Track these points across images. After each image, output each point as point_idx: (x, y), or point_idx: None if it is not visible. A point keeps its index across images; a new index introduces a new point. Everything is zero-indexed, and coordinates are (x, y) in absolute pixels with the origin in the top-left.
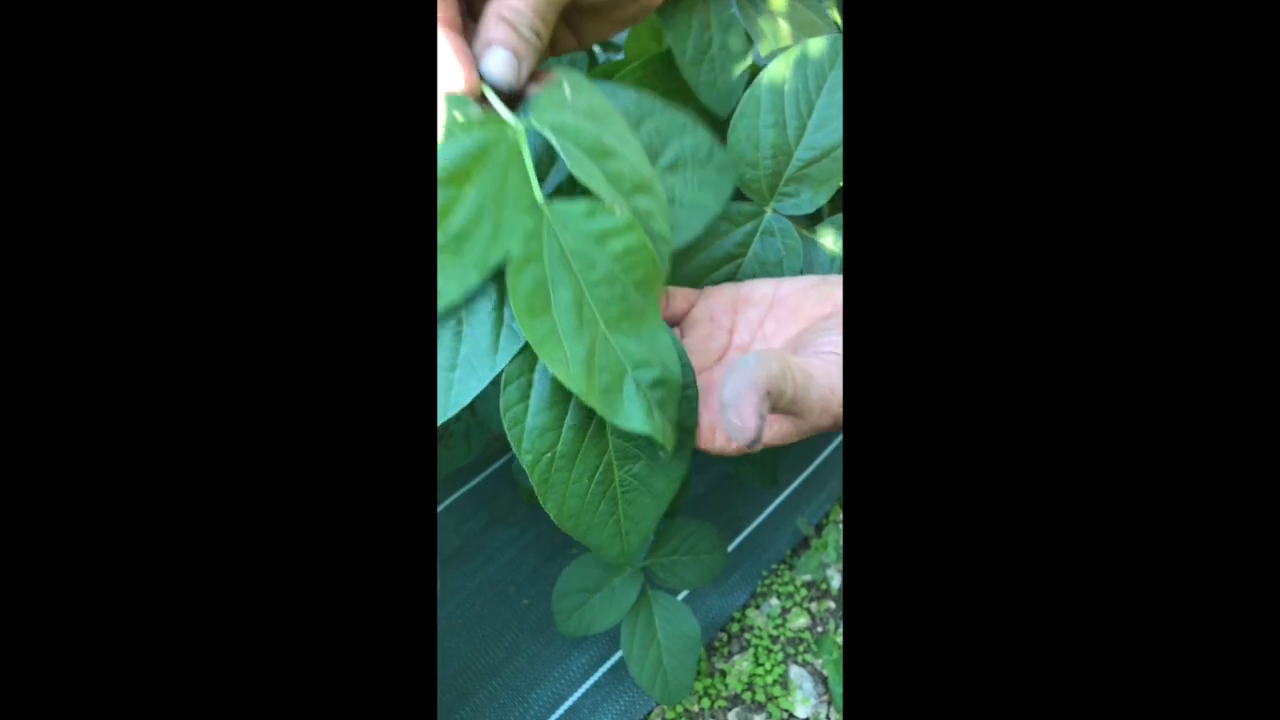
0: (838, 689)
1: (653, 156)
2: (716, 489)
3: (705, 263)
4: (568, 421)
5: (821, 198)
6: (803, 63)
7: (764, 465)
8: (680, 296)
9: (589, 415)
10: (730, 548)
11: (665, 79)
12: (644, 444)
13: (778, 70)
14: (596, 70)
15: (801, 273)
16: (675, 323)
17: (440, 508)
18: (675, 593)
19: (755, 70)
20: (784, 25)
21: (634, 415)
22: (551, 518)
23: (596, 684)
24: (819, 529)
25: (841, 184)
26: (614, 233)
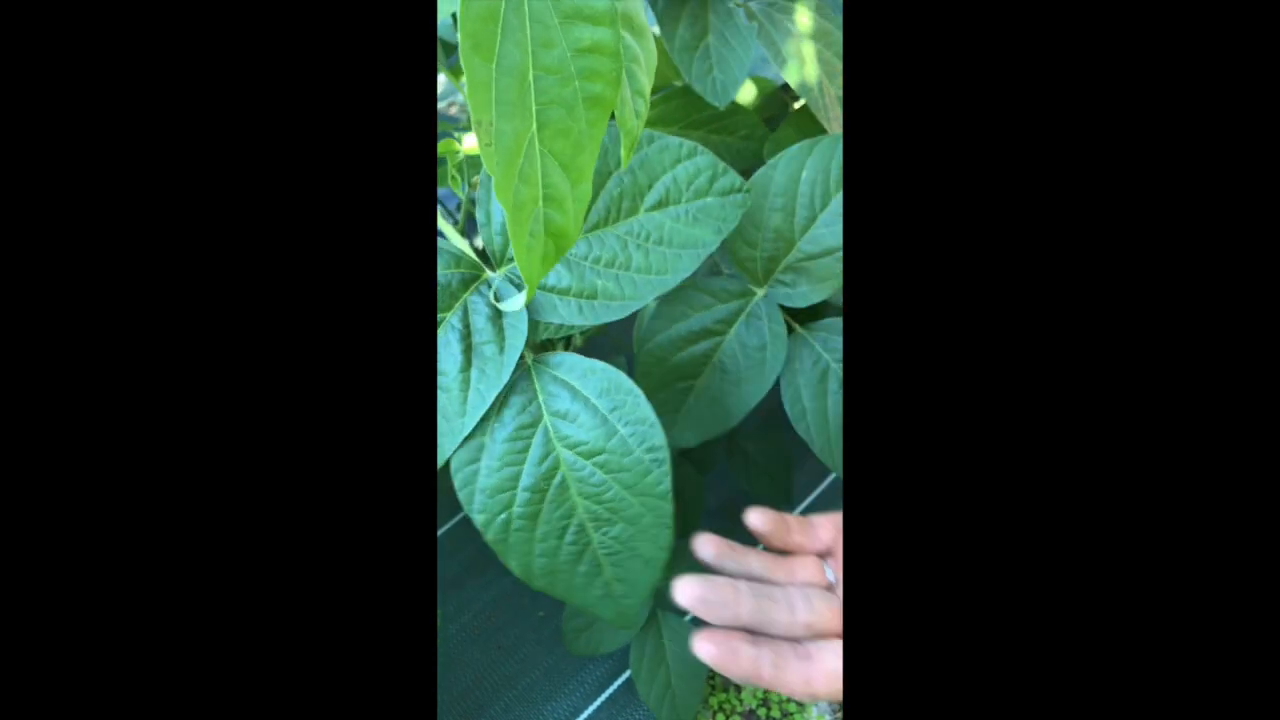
0: None
1: (638, 195)
2: (731, 505)
3: (681, 334)
4: (522, 483)
5: (818, 295)
6: (827, 153)
7: (779, 482)
8: (826, 525)
9: (548, 477)
10: None
11: (686, 111)
12: (619, 507)
13: (798, 155)
14: None
15: (786, 366)
16: (825, 554)
17: (455, 520)
18: (684, 614)
19: (771, 88)
20: (805, 42)
21: (524, 257)
22: (518, 576)
23: (612, 697)
24: None
25: (841, 285)
26: (586, 16)
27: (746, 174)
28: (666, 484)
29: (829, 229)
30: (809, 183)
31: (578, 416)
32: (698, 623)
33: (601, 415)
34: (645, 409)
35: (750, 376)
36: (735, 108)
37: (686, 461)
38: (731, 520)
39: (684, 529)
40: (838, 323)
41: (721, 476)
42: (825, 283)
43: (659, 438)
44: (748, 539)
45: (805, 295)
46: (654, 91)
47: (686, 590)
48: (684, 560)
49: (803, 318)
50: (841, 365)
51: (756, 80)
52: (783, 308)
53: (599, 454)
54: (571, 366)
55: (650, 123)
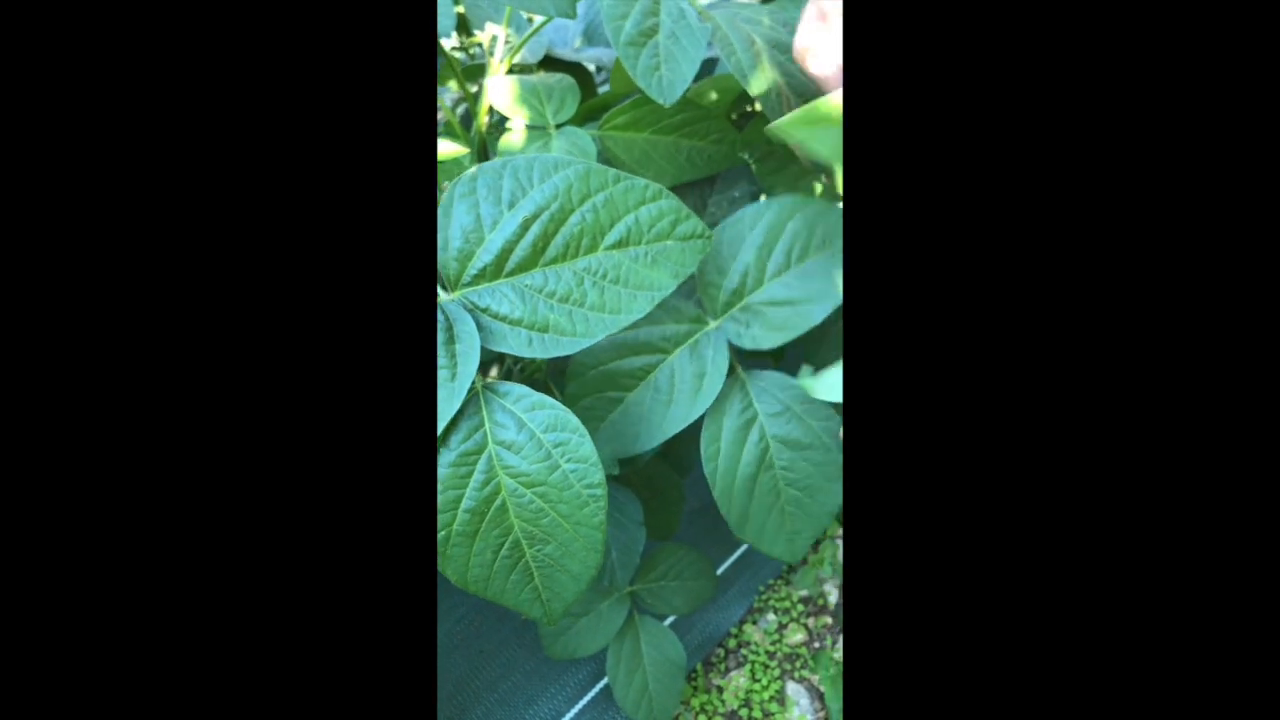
0: (835, 705)
1: (599, 233)
2: (710, 507)
3: (626, 341)
4: (463, 505)
5: (768, 341)
6: (821, 215)
7: None
8: None
9: (489, 501)
10: (727, 563)
11: (656, 116)
12: (554, 531)
13: (793, 205)
14: (590, 103)
15: (715, 404)
16: None
17: None
18: (662, 618)
19: (733, 87)
20: (765, 51)
21: None
22: (453, 583)
23: (593, 700)
24: (815, 544)
25: (791, 339)
26: None
27: (717, 179)
28: (601, 516)
29: (801, 282)
30: (792, 234)
31: (523, 448)
32: (676, 626)
33: (546, 450)
34: (588, 448)
35: (681, 401)
36: (705, 112)
37: (665, 463)
38: (711, 521)
39: (663, 530)
40: (779, 378)
41: (700, 479)
42: (779, 332)
43: (598, 476)
44: (725, 541)
45: (755, 338)
46: (624, 96)
47: None
48: (660, 561)
49: (747, 363)
50: (769, 422)
51: (721, 79)
52: (732, 346)
53: (540, 485)
54: (520, 398)
55: (619, 128)
